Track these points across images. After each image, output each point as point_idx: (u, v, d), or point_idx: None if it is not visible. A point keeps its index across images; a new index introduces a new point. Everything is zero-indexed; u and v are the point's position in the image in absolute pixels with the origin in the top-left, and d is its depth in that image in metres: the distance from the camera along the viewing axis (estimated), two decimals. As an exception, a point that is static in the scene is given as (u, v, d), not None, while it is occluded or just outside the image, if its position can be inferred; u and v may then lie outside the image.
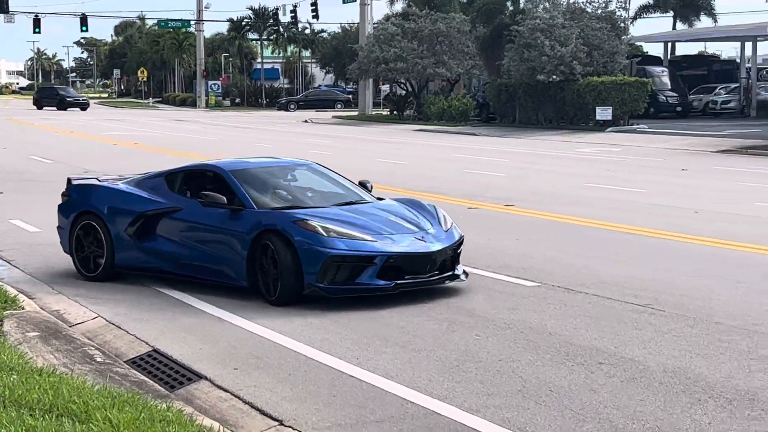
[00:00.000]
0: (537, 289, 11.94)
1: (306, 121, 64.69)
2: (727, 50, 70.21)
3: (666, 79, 57.78)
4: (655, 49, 67.31)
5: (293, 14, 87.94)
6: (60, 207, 13.33)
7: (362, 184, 13.19)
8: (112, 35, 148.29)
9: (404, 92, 66.85)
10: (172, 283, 12.35)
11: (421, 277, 11.22)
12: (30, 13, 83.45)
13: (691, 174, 27.88)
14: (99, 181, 13.54)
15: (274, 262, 10.91)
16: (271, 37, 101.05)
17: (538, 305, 11.24)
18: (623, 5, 67.01)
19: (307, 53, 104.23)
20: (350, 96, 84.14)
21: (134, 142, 42.26)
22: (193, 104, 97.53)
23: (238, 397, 8.38)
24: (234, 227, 11.45)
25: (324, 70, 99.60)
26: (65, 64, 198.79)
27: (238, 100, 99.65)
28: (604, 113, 48.06)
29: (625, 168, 29.94)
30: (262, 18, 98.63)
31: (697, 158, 33.67)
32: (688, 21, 78.37)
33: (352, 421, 7.74)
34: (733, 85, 61.12)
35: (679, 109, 56.12)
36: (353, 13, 74.50)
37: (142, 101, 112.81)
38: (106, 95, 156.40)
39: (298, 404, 8.13)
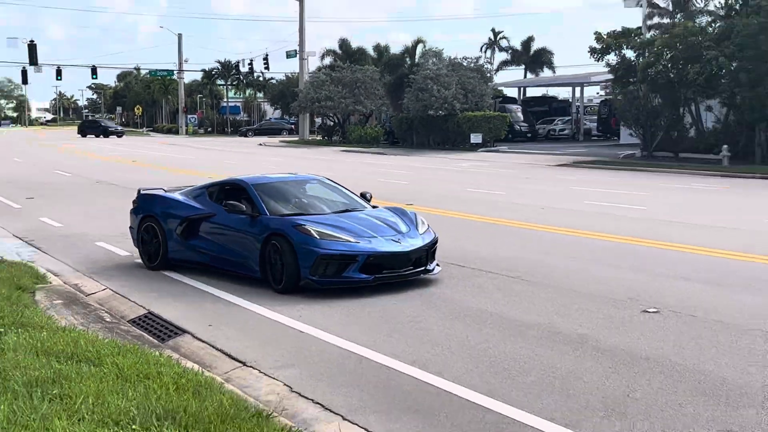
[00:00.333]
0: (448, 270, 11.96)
1: (261, 144, 64.26)
2: (563, 93, 70.97)
3: (520, 114, 58.44)
4: (512, 92, 68.00)
5: (250, 66, 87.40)
6: (131, 211, 12.89)
7: (363, 195, 12.53)
8: (115, 81, 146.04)
9: (332, 123, 66.73)
10: (170, 266, 12.18)
11: (397, 272, 10.53)
12: (53, 65, 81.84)
13: (538, 181, 28.17)
14: (164, 191, 13.00)
15: (279, 258, 10.39)
16: (234, 83, 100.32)
17: (453, 283, 11.21)
18: (489, 61, 68.10)
19: (260, 94, 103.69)
20: (293, 126, 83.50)
21: (132, 160, 41.66)
22: (176, 132, 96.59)
23: (212, 346, 8.33)
24: (251, 230, 10.92)
25: (273, 107, 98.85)
26: (80, 103, 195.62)
27: (210, 129, 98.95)
28: (476, 138, 48.59)
29: (492, 177, 30.17)
30: (227, 69, 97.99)
31: (543, 170, 34.06)
32: (535, 72, 79.47)
33: (296, 362, 7.72)
34: (567, 118, 62.08)
35: (529, 135, 56.76)
36: (295, 65, 74.06)
37: (138, 130, 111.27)
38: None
39: (258, 351, 8.08)
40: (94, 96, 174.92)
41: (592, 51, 40.21)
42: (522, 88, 71.14)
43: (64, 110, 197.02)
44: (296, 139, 70.80)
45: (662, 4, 46.86)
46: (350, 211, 11.62)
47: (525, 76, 79.20)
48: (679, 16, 44.61)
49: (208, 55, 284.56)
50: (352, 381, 7.13)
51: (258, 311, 9.66)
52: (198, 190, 12.49)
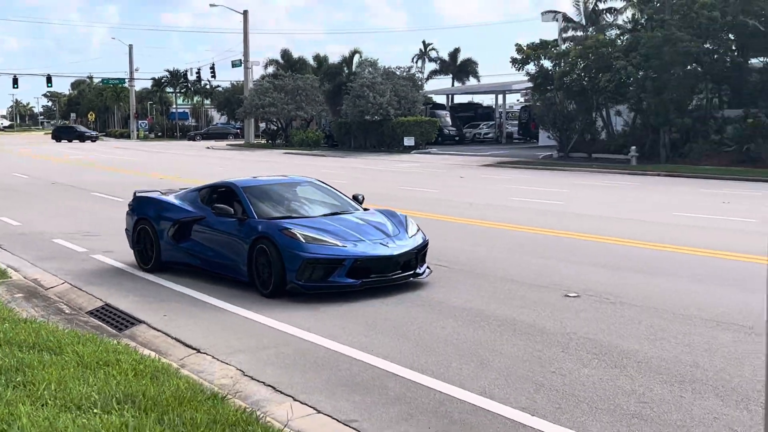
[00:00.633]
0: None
1: (208, 148, 63.40)
2: (487, 100, 71.57)
3: (448, 119, 58.74)
4: (441, 99, 68.31)
5: (198, 75, 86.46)
6: (127, 214, 12.00)
7: (355, 197, 11.49)
8: (69, 89, 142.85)
9: (276, 127, 66.27)
10: (125, 260, 11.95)
11: (385, 276, 9.60)
12: (10, 74, 79.92)
13: (467, 180, 28.36)
14: (160, 193, 12.09)
15: (266, 262, 9.51)
16: (183, 90, 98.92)
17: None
18: (420, 70, 68.21)
19: (207, 101, 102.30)
20: (239, 130, 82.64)
21: (90, 162, 40.86)
22: (128, 137, 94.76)
23: (167, 335, 8.18)
24: (239, 233, 10.00)
25: (220, 113, 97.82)
26: (36, 110, 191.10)
27: (159, 134, 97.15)
28: (409, 141, 48.74)
29: (425, 177, 30.28)
30: (176, 77, 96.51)
31: (470, 170, 34.30)
32: (461, 80, 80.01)
33: (249, 348, 7.65)
34: (491, 122, 62.60)
35: (457, 138, 57.05)
36: (240, 74, 73.34)
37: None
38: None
39: (211, 339, 7.98)
40: (50, 103, 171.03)
41: (514, 61, 40.67)
42: (450, 96, 71.53)
43: (20, 117, 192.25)
44: (242, 142, 70.07)
45: (576, 19, 47.56)
46: (340, 213, 10.66)
47: (453, 85, 79.69)
48: (591, 29, 45.37)
49: (158, 65, 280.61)
50: (301, 365, 7.10)
51: (210, 302, 9.53)
52: (191, 193, 11.60)
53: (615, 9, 44.91)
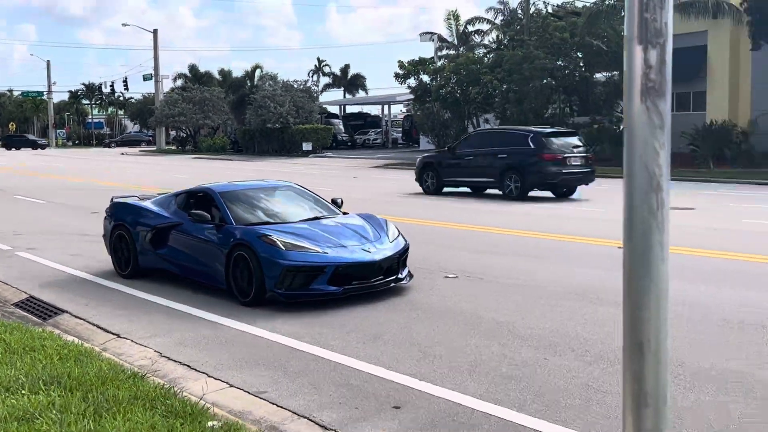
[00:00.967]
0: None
1: (123, 153, 61.35)
2: (374, 110, 71.94)
3: (341, 126, 58.80)
4: (334, 109, 68.28)
5: (112, 87, 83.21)
6: (104, 219, 10.67)
7: (334, 201, 10.22)
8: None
9: (185, 135, 64.75)
10: (47, 257, 11.39)
11: (367, 282, 8.42)
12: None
13: (360, 179, 28.46)
14: (139, 198, 10.85)
15: (245, 270, 8.32)
16: (98, 102, 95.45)
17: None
18: (315, 83, 67.89)
19: (121, 111, 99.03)
20: (151, 138, 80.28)
21: (13, 168, 38.89)
22: (47, 145, 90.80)
23: (89, 322, 7.88)
24: (217, 239, 8.77)
25: (133, 122, 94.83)
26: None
27: (77, 142, 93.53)
28: (307, 146, 48.51)
29: (322, 177, 30.18)
30: (91, 90, 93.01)
31: (362, 170, 34.42)
32: (352, 93, 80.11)
33: (163, 332, 7.45)
34: (378, 130, 62.91)
35: (349, 143, 57.04)
36: (151, 86, 71.30)
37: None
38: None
39: (130, 325, 7.73)
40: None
41: (397, 76, 41.10)
42: (342, 106, 71.54)
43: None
44: (154, 149, 68.06)
45: (449, 39, 48.32)
46: (319, 218, 9.43)
47: (344, 96, 79.64)
48: (462, 48, 46.20)
49: (75, 79, 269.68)
50: (214, 345, 6.97)
51: (128, 291, 9.24)
52: (168, 199, 10.28)
53: (482, 31, 45.95)
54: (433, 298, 8.51)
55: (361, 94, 79.63)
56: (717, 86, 31.01)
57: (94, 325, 7.75)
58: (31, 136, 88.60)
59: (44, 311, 8.43)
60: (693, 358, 6.15)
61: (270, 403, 5.46)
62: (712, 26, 30.44)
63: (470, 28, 46.45)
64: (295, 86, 53.09)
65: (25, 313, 8.38)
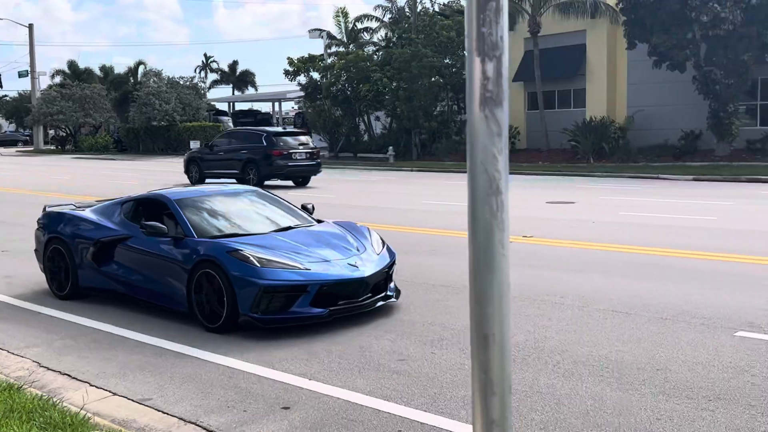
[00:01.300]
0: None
1: (-3, 154, 58.41)
2: (265, 107, 71.20)
3: (231, 124, 57.61)
4: (223, 106, 67.12)
5: (-17, 84, 79.13)
6: (36, 232, 9.36)
7: (304, 207, 9.11)
8: None
9: (65, 134, 62.08)
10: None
11: (355, 302, 7.38)
12: None
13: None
14: (75, 207, 9.49)
15: (212, 291, 7.18)
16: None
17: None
18: (203, 80, 66.51)
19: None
20: (28, 137, 76.57)
21: None
22: None
23: (-40, 334, 7.50)
24: (176, 255, 7.58)
25: (8, 121, 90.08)
26: None
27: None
28: (195, 144, 47.31)
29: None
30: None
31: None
32: (241, 89, 79.09)
33: (41, 342, 7.18)
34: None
35: (239, 141, 56.35)
36: (27, 84, 67.98)
37: None
38: None
39: (4, 335, 7.41)
40: None
41: (286, 73, 40.86)
42: (231, 103, 70.42)
43: None
44: (31, 149, 64.94)
45: (338, 36, 48.45)
46: (293, 228, 8.29)
47: (233, 93, 78.55)
48: (351, 46, 46.45)
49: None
50: (95, 353, 6.78)
51: (3, 299, 8.83)
52: (111, 207, 8.97)
53: (371, 29, 46.27)
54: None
55: (250, 90, 78.77)
56: (596, 84, 32.50)
57: (-35, 337, 7.38)
58: None
59: None
60: (574, 347, 6.47)
61: (155, 410, 5.38)
62: (590, 26, 31.88)
63: (359, 26, 46.72)
64: (182, 83, 51.86)
65: None
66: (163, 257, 7.77)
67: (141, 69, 62.10)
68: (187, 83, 52.24)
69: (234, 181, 22.37)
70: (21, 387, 5.49)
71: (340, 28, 47.48)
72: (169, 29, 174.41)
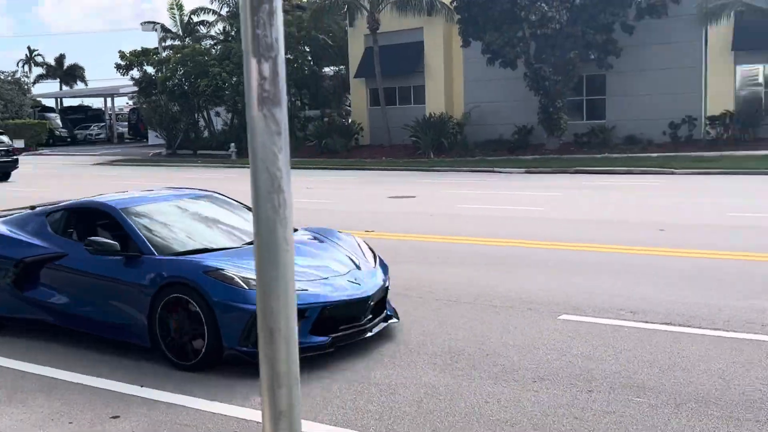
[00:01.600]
0: None
1: None
2: (97, 102, 67.97)
3: (59, 121, 54.97)
4: (50, 102, 63.47)
5: None
6: None
7: None
8: None
9: None
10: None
11: (357, 326, 6.27)
12: None
13: (84, 178, 26.83)
14: None
15: (186, 321, 5.93)
16: None
17: None
18: (26, 75, 62.62)
19: None
20: None
21: None
22: None
23: None
24: (130, 278, 6.26)
25: None
26: None
27: None
28: (18, 143, 44.52)
29: (40, 177, 28.00)
30: None
31: (82, 168, 32.42)
32: (69, 84, 75.12)
33: None
34: (102, 124, 59.63)
35: (69, 139, 53.55)
36: None
37: None
38: None
39: None
40: None
41: (118, 67, 39.27)
42: (59, 99, 66.73)
43: None
44: None
45: (173, 29, 47.08)
46: None
47: (61, 89, 74.41)
48: (188, 39, 45.28)
49: None
50: (22, 403, 6.23)
51: None
52: (34, 218, 7.39)
53: (208, 22, 45.28)
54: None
55: (80, 85, 74.93)
56: (434, 81, 33.56)
57: None
58: None
59: None
60: (408, 337, 6.68)
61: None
62: (427, 23, 32.86)
63: (195, 19, 45.60)
64: (2, 77, 48.58)
65: None
66: (112, 280, 6.38)
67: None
68: (9, 78, 49.06)
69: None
70: None
71: (175, 21, 46.15)
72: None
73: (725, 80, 27.79)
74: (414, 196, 17.91)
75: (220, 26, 43.65)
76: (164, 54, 40.98)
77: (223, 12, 41.65)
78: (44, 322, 7.01)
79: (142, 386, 5.70)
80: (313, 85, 38.12)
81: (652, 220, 12.75)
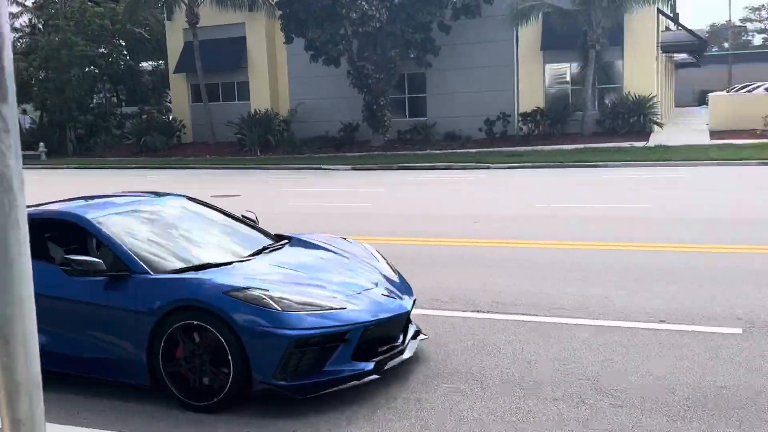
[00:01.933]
0: None
1: None
2: None
3: None
4: None
5: None
6: None
7: (245, 218, 6.84)
8: None
9: None
10: None
11: (395, 346, 5.41)
12: None
13: None
14: None
15: (205, 351, 4.91)
16: None
17: None
18: None
19: None
20: None
21: None
22: None
23: None
24: (119, 303, 5.15)
25: None
26: None
27: None
28: None
29: None
30: None
31: None
32: None
33: None
34: None
35: None
36: None
37: None
38: None
39: None
40: None
41: None
42: None
43: None
44: None
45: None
46: (274, 249, 6.09)
47: None
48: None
49: None
50: None
51: None
52: None
53: (12, 14, 42.30)
54: None
55: None
56: (258, 77, 33.29)
57: None
58: None
59: None
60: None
61: None
62: (249, 18, 32.53)
63: (-3, 9, 42.42)
64: None
65: None
66: (96, 306, 5.25)
67: None
68: None
69: None
70: None
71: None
72: None
73: (535, 78, 29.63)
74: (238, 195, 17.69)
75: (25, 18, 40.93)
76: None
77: (29, 3, 39.08)
78: None
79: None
80: (130, 81, 36.64)
81: (468, 213, 13.37)
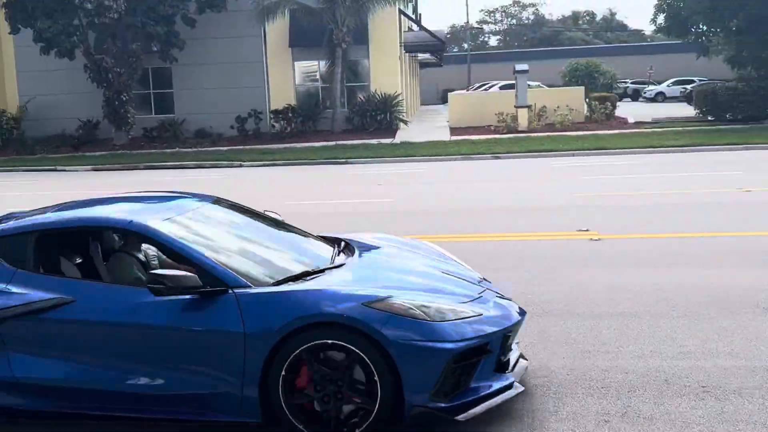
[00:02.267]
0: None
1: None
2: None
3: None
4: None
5: None
6: None
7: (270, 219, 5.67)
8: None
9: None
10: None
11: (507, 354, 4.64)
12: None
13: None
14: None
15: (342, 376, 4.06)
16: None
17: None
18: None
19: None
20: None
21: None
22: None
23: None
24: (215, 325, 4.14)
25: None
26: None
27: None
28: None
29: None
30: None
31: None
32: None
33: None
34: None
35: None
36: None
37: None
38: None
39: None
40: None
41: None
42: None
43: None
44: None
45: None
46: (351, 253, 5.15)
47: None
48: None
49: None
50: None
51: None
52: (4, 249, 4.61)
53: None
54: None
55: None
56: (-20, 70, 30.26)
57: None
58: None
59: None
60: None
61: None
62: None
63: None
64: None
65: None
66: (182, 330, 4.24)
67: None
68: None
69: None
70: None
71: None
72: None
73: (285, 76, 29.82)
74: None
75: None
76: None
77: None
78: (46, 414, 4.45)
79: None
80: None
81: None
